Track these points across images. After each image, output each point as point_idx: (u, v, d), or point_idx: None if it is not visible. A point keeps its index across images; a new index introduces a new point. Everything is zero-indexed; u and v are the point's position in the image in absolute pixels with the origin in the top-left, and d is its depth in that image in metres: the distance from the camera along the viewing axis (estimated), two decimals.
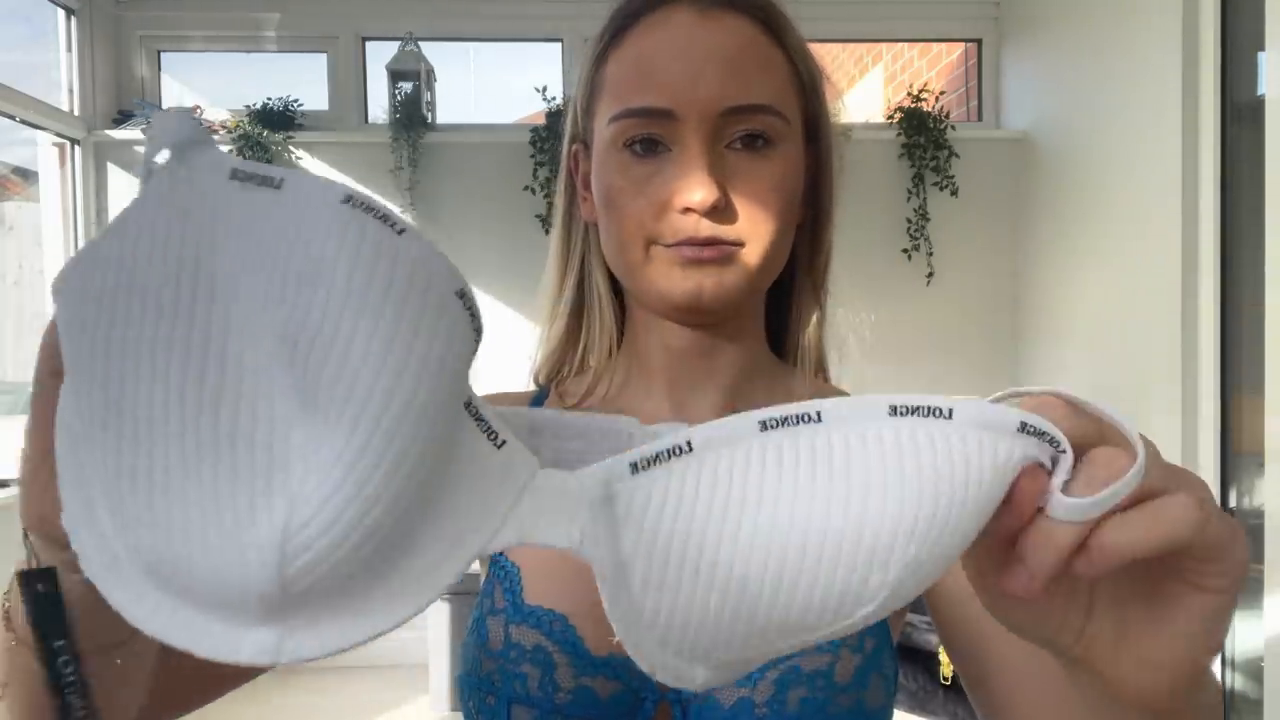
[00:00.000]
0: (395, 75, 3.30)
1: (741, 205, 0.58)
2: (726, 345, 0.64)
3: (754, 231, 0.58)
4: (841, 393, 0.70)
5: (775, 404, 0.65)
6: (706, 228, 0.57)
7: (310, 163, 3.29)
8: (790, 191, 0.60)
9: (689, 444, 0.30)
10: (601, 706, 0.56)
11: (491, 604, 0.60)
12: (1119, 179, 2.78)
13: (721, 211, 0.57)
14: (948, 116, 3.38)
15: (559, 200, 0.68)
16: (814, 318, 0.67)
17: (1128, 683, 0.33)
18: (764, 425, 0.30)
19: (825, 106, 0.64)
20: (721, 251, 0.57)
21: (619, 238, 0.60)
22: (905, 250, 3.37)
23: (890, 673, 0.60)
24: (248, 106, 3.25)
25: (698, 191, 0.56)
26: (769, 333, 0.69)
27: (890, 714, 0.60)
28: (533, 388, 0.71)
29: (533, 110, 3.41)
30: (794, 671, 0.56)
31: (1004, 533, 0.30)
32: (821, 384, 0.68)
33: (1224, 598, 0.32)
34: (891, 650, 0.61)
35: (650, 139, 0.58)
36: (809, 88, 0.62)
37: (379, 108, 3.42)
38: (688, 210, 0.56)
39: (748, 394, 0.65)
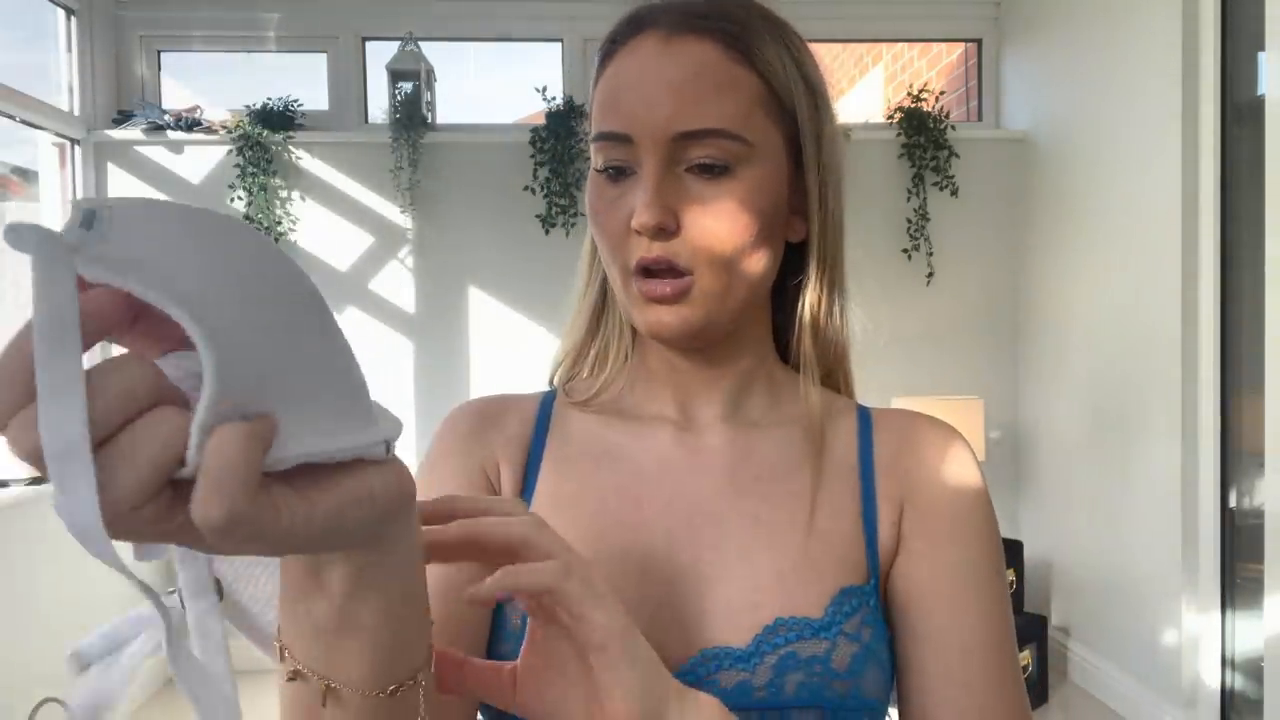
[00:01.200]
0: (395, 75, 3.30)
1: (695, 229, 0.59)
2: (726, 358, 0.66)
3: (704, 255, 0.59)
4: (849, 402, 0.70)
5: (777, 411, 0.68)
6: (657, 249, 0.59)
7: (310, 162, 3.30)
8: (757, 212, 0.60)
9: None
10: None
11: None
12: (1119, 179, 2.78)
13: (671, 233, 0.59)
14: (948, 116, 3.38)
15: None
16: (816, 327, 0.67)
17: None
18: None
19: (817, 122, 0.64)
20: (675, 287, 0.59)
21: (604, 258, 0.64)
22: (905, 250, 3.37)
23: (887, 665, 0.61)
24: (248, 106, 3.25)
25: (642, 214, 0.58)
26: (782, 338, 0.70)
27: (885, 707, 0.61)
28: (547, 388, 0.73)
29: (533, 110, 3.41)
30: (792, 657, 0.57)
31: None
32: (828, 393, 0.69)
33: (595, 651, 0.43)
34: (888, 644, 0.62)
35: (619, 164, 0.61)
36: (786, 105, 0.62)
37: (379, 108, 3.42)
38: (639, 232, 0.59)
39: (747, 402, 0.67)
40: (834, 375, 0.70)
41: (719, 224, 0.59)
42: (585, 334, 0.71)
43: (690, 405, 0.67)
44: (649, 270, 0.60)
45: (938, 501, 0.63)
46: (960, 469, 0.64)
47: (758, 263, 0.62)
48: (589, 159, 0.66)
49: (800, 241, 0.66)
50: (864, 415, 0.68)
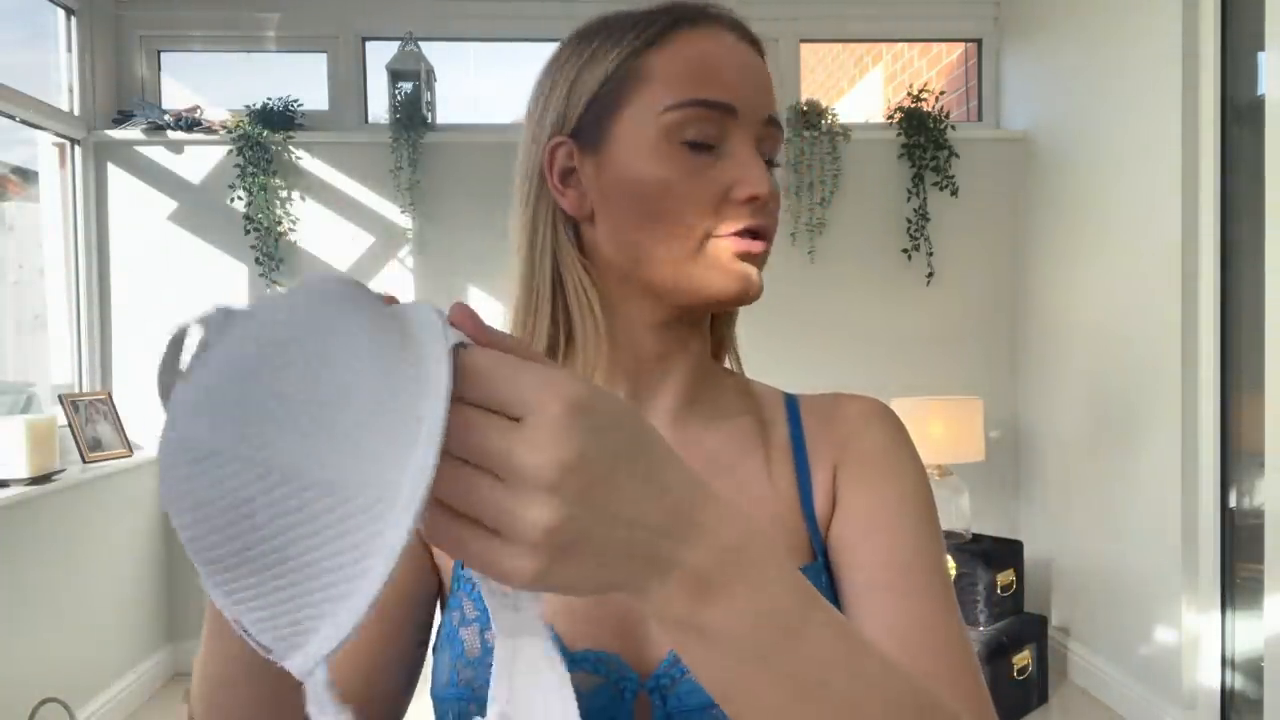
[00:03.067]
0: (395, 75, 3.30)
1: (770, 208, 0.64)
2: (687, 345, 0.67)
3: (772, 233, 0.64)
4: (775, 391, 0.73)
5: (719, 405, 0.69)
6: (760, 216, 0.62)
7: (310, 162, 3.30)
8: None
9: None
10: (583, 699, 0.58)
11: (462, 615, 0.61)
12: (1119, 179, 2.78)
13: (766, 206, 0.63)
14: (948, 116, 3.38)
15: (523, 202, 0.66)
16: (733, 326, 0.73)
17: None
18: None
19: None
20: (764, 248, 0.63)
21: (665, 229, 0.61)
22: (905, 250, 3.37)
23: None
24: (248, 106, 3.25)
25: (763, 184, 0.60)
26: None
27: None
28: None
29: None
30: None
31: None
32: (748, 380, 0.72)
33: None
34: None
35: (706, 139, 0.61)
36: None
37: (379, 108, 3.42)
38: (751, 199, 0.60)
39: (697, 396, 0.68)
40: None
41: (778, 206, 0.65)
42: (549, 335, 0.65)
43: (643, 398, 0.67)
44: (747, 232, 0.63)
45: (865, 453, 0.65)
46: (883, 424, 0.67)
47: None
48: (571, 135, 0.63)
49: None
50: (791, 402, 0.70)
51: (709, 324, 0.70)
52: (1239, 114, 2.44)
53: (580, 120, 0.63)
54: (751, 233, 0.61)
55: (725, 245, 0.61)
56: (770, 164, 0.64)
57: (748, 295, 0.62)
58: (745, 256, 0.61)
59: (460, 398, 0.32)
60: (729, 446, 0.66)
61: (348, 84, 3.43)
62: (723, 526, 0.37)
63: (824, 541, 0.63)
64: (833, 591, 0.62)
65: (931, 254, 3.37)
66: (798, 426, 0.68)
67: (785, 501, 0.64)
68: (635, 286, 0.64)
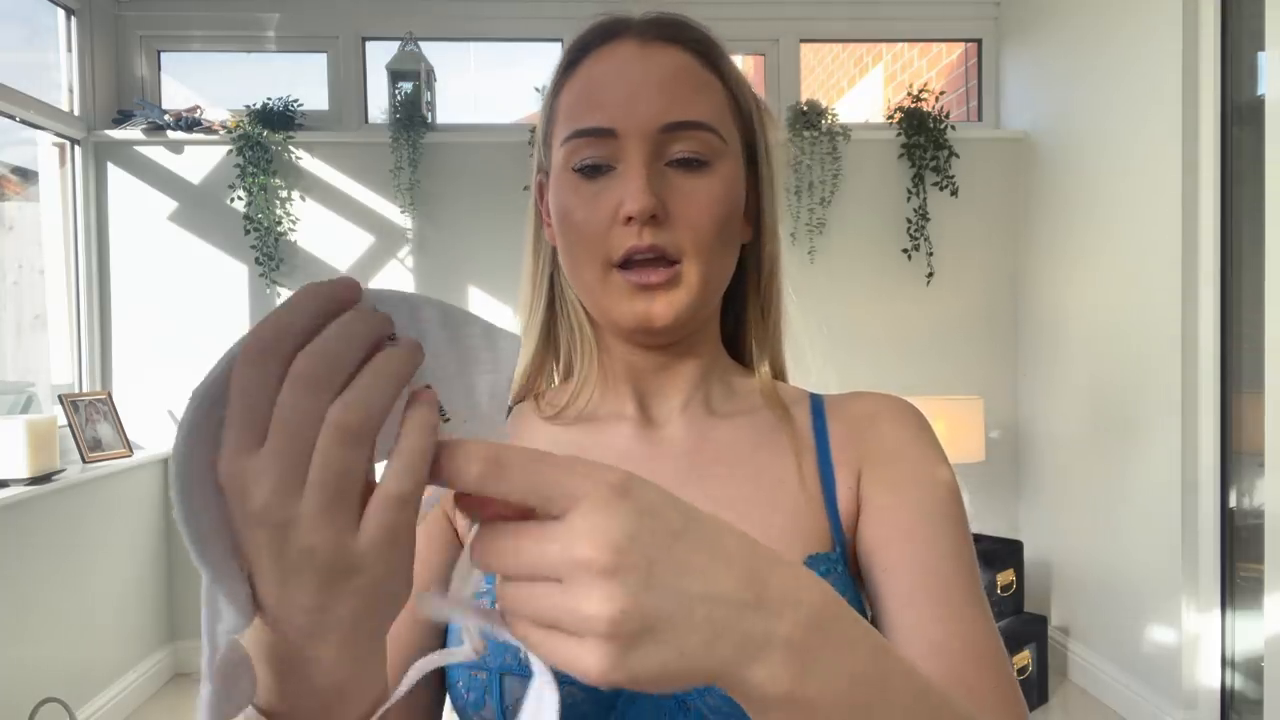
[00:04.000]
0: (395, 75, 3.30)
1: (682, 218, 0.62)
2: (684, 358, 0.69)
3: (694, 243, 0.62)
4: (801, 391, 0.73)
5: (733, 402, 0.71)
6: (648, 235, 0.61)
7: (310, 162, 3.29)
8: (730, 206, 0.64)
9: None
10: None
11: None
12: (1119, 179, 2.78)
13: (661, 222, 0.61)
14: (948, 116, 3.38)
15: (528, 226, 0.73)
16: (765, 320, 0.73)
17: None
18: None
19: (764, 132, 0.69)
20: (666, 274, 0.61)
21: (575, 257, 0.64)
22: (905, 250, 3.37)
23: None
24: (248, 106, 3.25)
25: (635, 202, 0.60)
26: (726, 337, 0.74)
27: None
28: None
29: (532, 110, 3.41)
30: None
31: None
32: (776, 384, 0.73)
33: None
34: (860, 607, 0.63)
35: (596, 161, 0.62)
36: (745, 113, 0.67)
37: (379, 108, 3.42)
38: (630, 220, 0.60)
39: (705, 397, 0.70)
40: (776, 363, 0.74)
41: (703, 214, 0.62)
42: (535, 355, 0.72)
43: (650, 403, 0.69)
44: (634, 262, 0.61)
45: (891, 455, 0.65)
46: (907, 424, 0.67)
47: (730, 254, 0.66)
48: (544, 171, 0.68)
49: (744, 244, 0.70)
50: (816, 401, 0.71)
51: (718, 330, 0.71)
52: (1239, 114, 2.44)
53: (541, 155, 0.70)
54: (636, 261, 0.61)
55: (622, 280, 0.62)
56: (689, 163, 0.62)
57: (648, 328, 0.63)
58: (644, 289, 0.61)
59: (501, 503, 0.34)
60: (746, 437, 0.67)
61: (348, 84, 3.43)
62: (801, 589, 0.36)
63: (844, 537, 0.64)
64: (852, 582, 0.63)
65: (931, 254, 3.37)
66: (821, 423, 0.68)
67: (808, 491, 0.65)
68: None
